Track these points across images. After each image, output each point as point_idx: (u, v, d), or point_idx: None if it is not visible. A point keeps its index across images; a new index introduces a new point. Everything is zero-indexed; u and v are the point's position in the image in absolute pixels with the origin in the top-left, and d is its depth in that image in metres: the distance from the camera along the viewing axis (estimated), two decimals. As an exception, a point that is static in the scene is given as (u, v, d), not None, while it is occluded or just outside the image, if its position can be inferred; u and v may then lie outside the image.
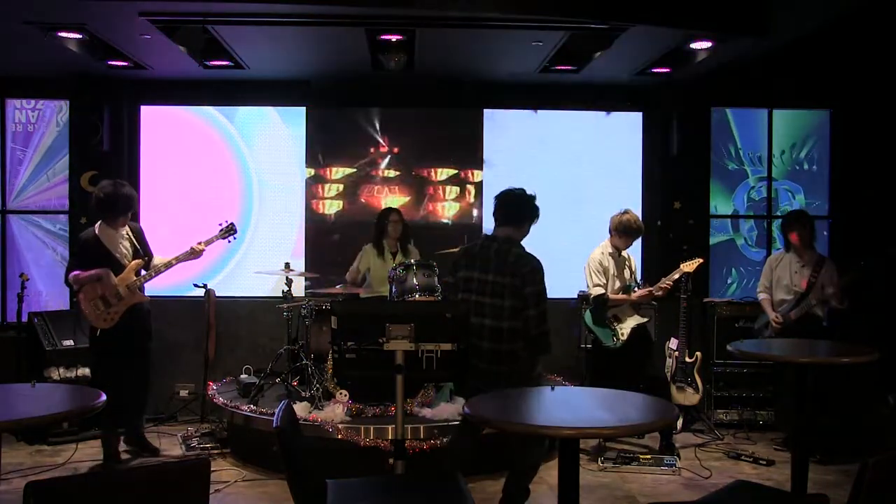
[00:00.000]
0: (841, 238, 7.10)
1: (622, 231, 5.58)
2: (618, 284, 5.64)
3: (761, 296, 6.06)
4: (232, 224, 5.48)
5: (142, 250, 5.33)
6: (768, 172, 7.22)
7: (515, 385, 3.90)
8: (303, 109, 7.04)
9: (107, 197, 5.11)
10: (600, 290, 5.56)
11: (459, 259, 4.35)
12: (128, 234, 5.30)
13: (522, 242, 4.26)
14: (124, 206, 5.17)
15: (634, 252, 6.09)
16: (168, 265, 5.27)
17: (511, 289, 4.08)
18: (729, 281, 7.30)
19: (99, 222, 5.25)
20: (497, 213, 4.29)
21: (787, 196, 7.27)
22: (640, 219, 5.71)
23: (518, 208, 4.27)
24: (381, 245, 6.28)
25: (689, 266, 5.73)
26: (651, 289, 5.63)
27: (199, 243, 5.34)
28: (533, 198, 4.31)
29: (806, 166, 7.28)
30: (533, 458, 4.27)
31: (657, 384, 5.76)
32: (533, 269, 4.10)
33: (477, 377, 4.01)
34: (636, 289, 5.69)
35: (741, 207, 7.29)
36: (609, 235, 5.69)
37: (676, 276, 5.72)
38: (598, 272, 5.57)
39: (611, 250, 5.63)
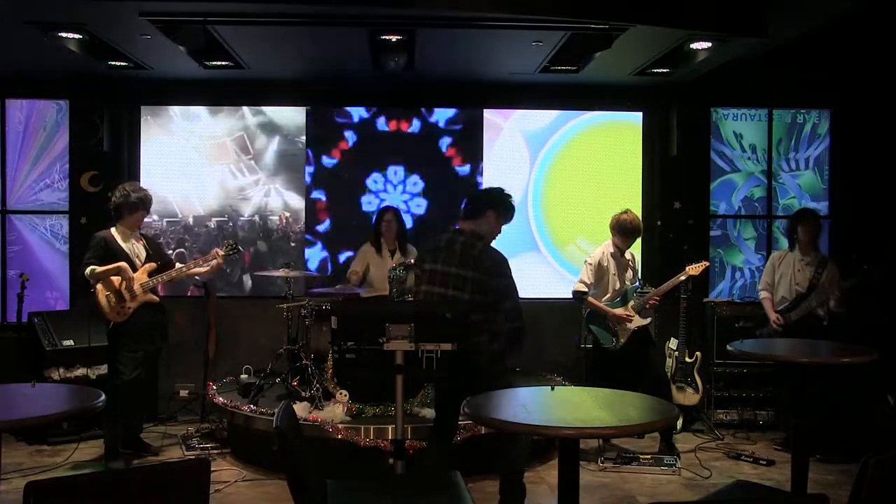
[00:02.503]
0: (841, 238, 7.10)
1: (619, 231, 5.58)
2: (618, 285, 5.63)
3: (762, 294, 6.05)
4: (235, 244, 5.69)
5: (156, 256, 5.49)
6: (768, 171, 7.22)
7: (479, 380, 3.87)
8: (303, 109, 7.06)
9: (128, 195, 5.29)
10: (582, 288, 5.57)
11: (425, 253, 4.35)
12: (142, 239, 5.48)
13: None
14: (140, 204, 5.34)
15: (634, 252, 6.07)
16: (178, 272, 5.46)
17: (473, 283, 4.05)
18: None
19: (116, 225, 5.37)
20: (462, 208, 4.31)
21: (785, 192, 7.25)
22: (640, 219, 5.69)
23: (477, 202, 4.28)
24: (379, 244, 6.32)
25: (695, 269, 5.73)
26: (626, 313, 5.56)
27: (219, 251, 5.53)
28: (499, 193, 4.30)
29: (819, 130, 7.18)
30: (521, 455, 4.27)
31: (660, 385, 5.71)
32: (495, 262, 4.08)
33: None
34: (637, 291, 5.68)
35: (720, 204, 7.23)
36: (611, 235, 5.68)
37: (683, 277, 5.71)
38: (591, 271, 5.57)
39: (612, 250, 5.62)
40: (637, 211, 6.73)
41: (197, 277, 5.93)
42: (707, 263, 5.77)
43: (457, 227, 4.30)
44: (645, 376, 5.63)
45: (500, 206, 4.26)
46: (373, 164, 7.09)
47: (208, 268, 5.52)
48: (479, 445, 4.84)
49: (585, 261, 5.68)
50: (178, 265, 5.54)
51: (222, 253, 5.53)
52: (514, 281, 4.12)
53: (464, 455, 4.69)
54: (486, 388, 3.46)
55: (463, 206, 4.34)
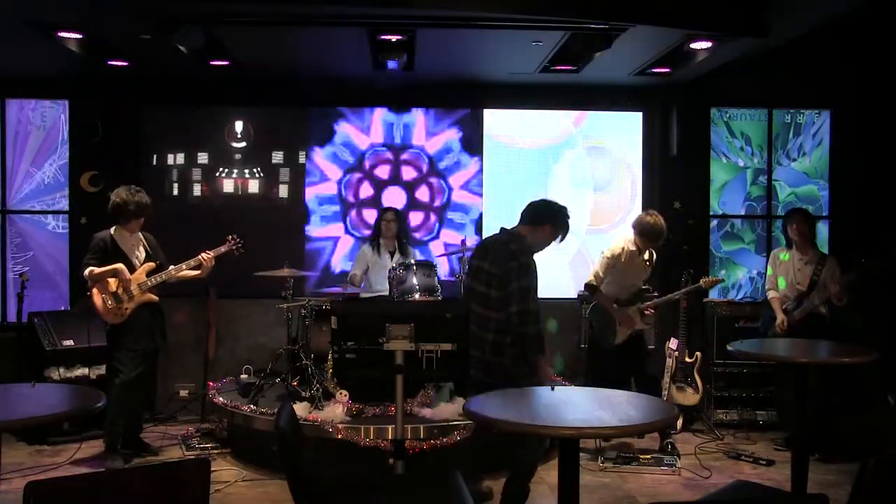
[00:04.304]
0: (841, 237, 7.10)
1: (639, 232, 5.45)
2: (629, 283, 5.54)
3: (770, 293, 5.97)
4: (240, 241, 5.65)
5: (155, 255, 5.49)
6: (768, 170, 7.21)
7: (498, 378, 3.94)
8: (302, 109, 7.05)
9: (124, 203, 5.29)
10: (594, 281, 5.49)
11: (476, 250, 4.48)
12: (142, 239, 5.47)
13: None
14: (137, 212, 5.34)
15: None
16: (179, 271, 5.43)
17: (499, 280, 4.11)
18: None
19: (115, 226, 5.37)
20: (522, 213, 4.40)
21: (783, 188, 7.24)
22: (663, 223, 5.44)
23: (538, 210, 4.36)
24: (378, 243, 6.32)
25: (708, 283, 5.75)
26: (635, 317, 5.55)
27: (207, 253, 5.47)
28: (561, 210, 4.36)
29: (817, 122, 7.17)
30: (530, 457, 4.27)
31: (650, 386, 5.62)
32: (521, 265, 4.10)
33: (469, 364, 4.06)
34: (648, 293, 5.67)
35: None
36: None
37: (691, 289, 5.72)
38: (607, 265, 5.47)
39: (633, 247, 5.51)
40: (636, 211, 6.74)
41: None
42: (721, 279, 5.78)
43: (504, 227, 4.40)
44: (638, 377, 5.63)
45: (558, 221, 4.33)
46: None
47: (199, 271, 5.48)
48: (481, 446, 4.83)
49: (602, 251, 5.58)
50: (170, 267, 5.45)
51: (211, 254, 5.46)
52: (534, 285, 4.13)
53: (464, 455, 4.68)
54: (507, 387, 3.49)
55: (524, 211, 4.39)
